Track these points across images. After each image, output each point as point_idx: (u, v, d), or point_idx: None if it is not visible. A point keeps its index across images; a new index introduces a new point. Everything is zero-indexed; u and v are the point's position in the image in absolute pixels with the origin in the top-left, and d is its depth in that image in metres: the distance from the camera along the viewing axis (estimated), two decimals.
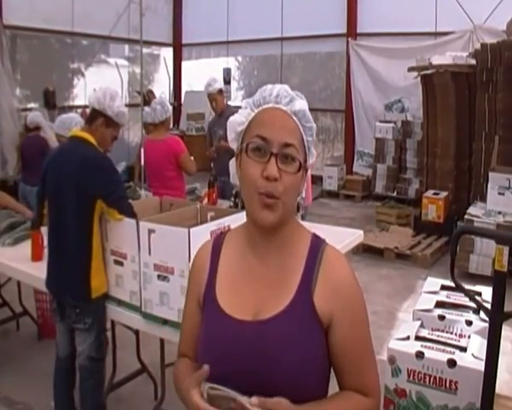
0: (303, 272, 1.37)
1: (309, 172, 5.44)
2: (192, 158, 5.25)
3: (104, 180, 2.94)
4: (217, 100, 5.94)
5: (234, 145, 1.44)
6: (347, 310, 1.36)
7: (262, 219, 1.32)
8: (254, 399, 1.19)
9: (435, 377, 2.33)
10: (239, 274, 1.41)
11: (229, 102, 8.85)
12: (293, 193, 1.35)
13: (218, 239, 1.50)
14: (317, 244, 1.42)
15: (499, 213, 6.30)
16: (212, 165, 6.21)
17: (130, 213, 2.92)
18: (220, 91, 5.95)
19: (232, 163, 1.47)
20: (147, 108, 5.51)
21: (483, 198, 6.78)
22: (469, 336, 2.50)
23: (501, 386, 2.28)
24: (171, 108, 5.25)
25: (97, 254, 2.98)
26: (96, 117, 3.06)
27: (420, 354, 2.37)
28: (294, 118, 1.37)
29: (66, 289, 3.02)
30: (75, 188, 2.90)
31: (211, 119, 6.60)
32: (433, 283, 3.09)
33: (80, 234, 2.94)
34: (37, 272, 3.28)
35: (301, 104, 1.39)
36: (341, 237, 4.05)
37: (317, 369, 1.35)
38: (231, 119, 1.43)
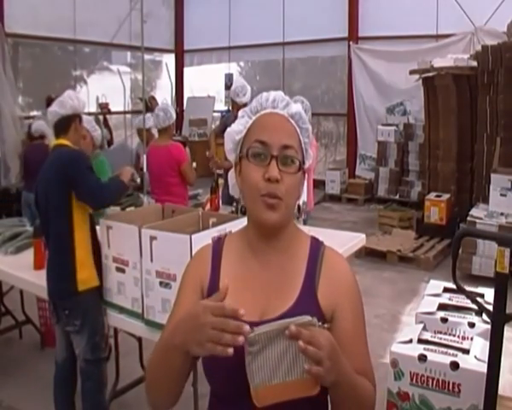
0: (305, 272, 1.41)
1: (311, 177, 5.42)
2: (194, 164, 5.25)
3: (73, 170, 3.02)
4: (239, 109, 5.82)
5: (231, 156, 1.46)
6: (348, 304, 1.41)
7: (266, 219, 1.34)
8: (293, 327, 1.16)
9: (438, 380, 2.33)
10: (242, 278, 1.42)
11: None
12: (294, 194, 1.37)
13: (218, 243, 1.51)
14: (317, 246, 1.47)
15: (501, 214, 6.30)
16: (213, 170, 6.19)
17: (96, 192, 3.03)
18: (245, 105, 5.84)
19: (231, 174, 1.48)
20: (148, 114, 5.52)
21: (485, 200, 6.78)
22: (472, 339, 2.50)
23: (504, 387, 2.27)
24: (174, 114, 5.24)
25: (82, 245, 3.03)
26: (70, 122, 3.20)
27: (422, 357, 2.37)
28: (292, 121, 1.40)
29: (54, 287, 3.07)
30: (53, 185, 3.02)
31: (231, 118, 6.43)
32: (436, 285, 3.09)
33: (61, 227, 3.02)
34: (39, 281, 3.28)
35: (297, 107, 1.42)
36: (344, 241, 4.04)
37: None
38: (229, 130, 1.45)
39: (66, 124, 3.18)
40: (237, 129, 1.43)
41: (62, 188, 2.99)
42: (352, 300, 1.42)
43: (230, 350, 1.12)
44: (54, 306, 3.15)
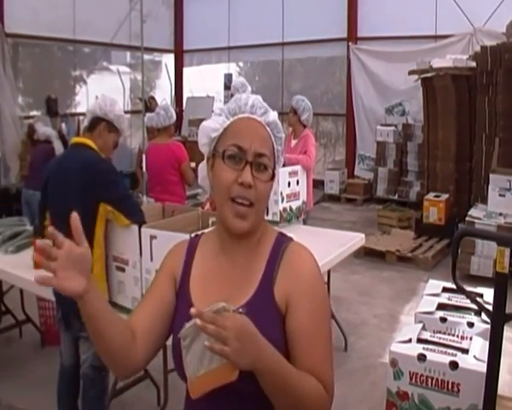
0: (265, 268, 1.44)
1: (310, 177, 5.41)
2: (194, 164, 5.25)
3: (106, 183, 2.93)
4: None
5: (204, 149, 1.51)
6: (305, 302, 1.39)
7: (235, 227, 1.40)
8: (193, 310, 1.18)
9: (437, 380, 2.34)
10: (210, 274, 1.47)
11: None
12: (264, 201, 1.43)
13: (193, 241, 1.58)
14: (281, 241, 1.49)
15: (500, 214, 6.31)
16: None
17: (137, 213, 2.93)
18: None
19: (202, 166, 1.55)
20: (149, 114, 5.53)
21: (484, 200, 6.79)
22: (471, 338, 2.51)
23: (503, 387, 2.28)
24: (175, 115, 5.26)
25: (99, 261, 2.96)
26: (97, 123, 3.08)
27: (422, 357, 2.37)
28: (268, 128, 1.45)
29: (70, 298, 3.00)
30: (78, 192, 2.88)
31: None
32: (435, 285, 3.09)
33: None
34: None
35: (274, 115, 1.47)
36: (343, 241, 4.05)
37: None
38: (204, 123, 1.50)
39: (94, 123, 3.08)
40: (214, 126, 1.46)
41: (90, 197, 2.88)
42: (310, 298, 1.39)
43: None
44: (64, 313, 3.10)
